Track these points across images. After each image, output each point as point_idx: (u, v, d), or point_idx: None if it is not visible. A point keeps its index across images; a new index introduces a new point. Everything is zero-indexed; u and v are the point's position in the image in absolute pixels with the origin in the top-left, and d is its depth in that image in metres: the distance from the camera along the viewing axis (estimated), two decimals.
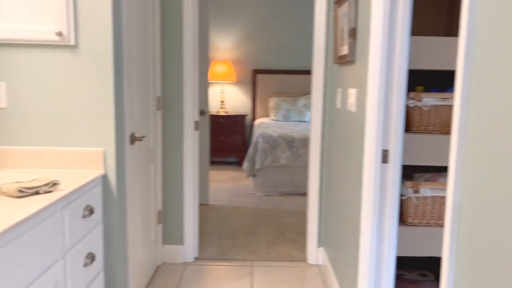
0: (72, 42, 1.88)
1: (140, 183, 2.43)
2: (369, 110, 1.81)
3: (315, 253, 3.03)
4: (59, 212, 1.55)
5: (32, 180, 1.59)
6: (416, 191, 1.91)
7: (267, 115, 6.41)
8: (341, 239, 2.44)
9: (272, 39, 6.36)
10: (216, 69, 6.18)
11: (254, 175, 4.81)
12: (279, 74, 6.36)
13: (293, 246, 3.32)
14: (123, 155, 2.10)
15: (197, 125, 2.94)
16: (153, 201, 2.75)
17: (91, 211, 1.78)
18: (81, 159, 1.94)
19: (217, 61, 6.30)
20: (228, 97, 6.49)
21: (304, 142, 4.73)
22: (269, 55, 6.40)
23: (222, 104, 6.31)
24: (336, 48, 2.53)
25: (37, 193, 1.54)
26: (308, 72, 6.29)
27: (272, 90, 6.39)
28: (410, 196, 1.93)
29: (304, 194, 4.76)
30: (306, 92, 6.32)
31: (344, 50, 2.30)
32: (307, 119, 6.01)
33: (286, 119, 6.00)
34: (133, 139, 2.24)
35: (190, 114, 2.89)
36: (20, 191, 1.49)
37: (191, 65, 2.85)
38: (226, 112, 6.27)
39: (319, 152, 2.93)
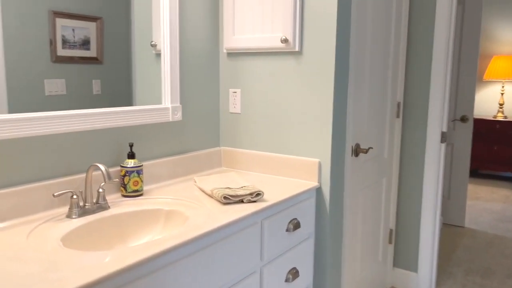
0: (297, 49, 1.83)
1: (365, 197, 2.22)
2: None
3: None
4: (259, 223, 1.53)
5: (240, 187, 1.63)
6: None
7: None
8: None
9: None
10: (496, 64, 5.19)
11: None
12: None
13: None
14: (341, 167, 1.94)
15: (444, 137, 2.48)
16: (383, 218, 2.48)
17: (297, 225, 1.71)
18: (296, 168, 1.89)
19: (499, 55, 5.28)
20: (509, 98, 5.37)
21: None
22: None
23: (501, 107, 5.27)
24: None
25: (241, 201, 1.56)
26: None
27: None
28: None
29: None
30: None
31: None
32: None
33: None
34: (357, 150, 2.04)
35: (436, 123, 2.46)
36: (225, 197, 1.53)
37: (442, 64, 2.40)
38: (505, 117, 5.21)
39: None
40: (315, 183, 1.84)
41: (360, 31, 1.97)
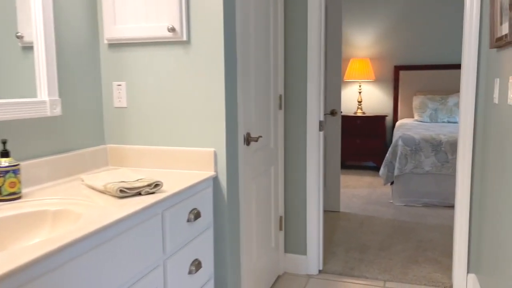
0: (185, 38, 1.81)
1: (257, 186, 2.28)
2: None
3: (463, 280, 2.51)
4: (159, 215, 1.47)
5: (136, 180, 1.55)
6: None
7: (410, 116, 5.79)
8: (504, 268, 1.92)
9: (416, 31, 5.72)
10: (353, 66, 5.81)
11: (392, 182, 4.33)
12: (425, 69, 5.69)
13: (435, 268, 2.82)
14: (236, 156, 1.97)
15: (322, 126, 2.69)
16: (273, 206, 2.58)
17: (197, 215, 1.68)
18: (192, 159, 1.86)
19: (355, 58, 5.92)
20: (366, 96, 6.06)
21: (454, 146, 4.08)
22: (412, 49, 5.77)
23: (360, 104, 5.90)
24: (492, 29, 2.02)
25: (139, 194, 1.48)
26: (459, 66, 5.50)
27: (416, 87, 5.75)
28: None
29: (452, 206, 4.12)
30: (457, 89, 5.54)
31: (504, 29, 1.80)
32: (458, 119, 5.24)
33: (433, 119, 5.32)
34: (249, 139, 2.09)
35: (314, 114, 2.65)
36: (122, 191, 1.44)
37: (316, 62, 2.61)
38: (363, 113, 5.85)
39: (470, 157, 2.41)
40: (212, 172, 1.83)
41: (244, 27, 2.03)
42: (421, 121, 5.36)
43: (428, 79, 5.70)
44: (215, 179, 1.87)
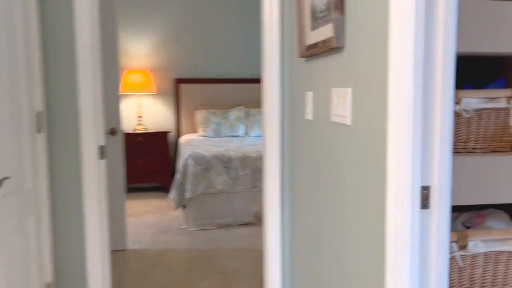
0: None
1: (4, 253, 1.48)
2: (393, 122, 1.08)
3: None
4: None
5: None
6: (463, 247, 1.22)
7: (194, 131, 5.55)
8: None
9: (197, 44, 5.55)
10: (131, 78, 5.21)
11: (184, 206, 3.93)
12: (206, 83, 5.55)
13: None
14: None
15: (103, 152, 2.04)
16: (35, 272, 1.78)
17: None
18: None
19: (132, 69, 5.33)
20: (146, 111, 5.54)
21: (243, 161, 3.96)
22: (193, 62, 5.57)
23: (140, 120, 5.34)
24: (301, 36, 1.80)
25: None
26: (240, 80, 5.58)
27: (199, 101, 5.55)
28: (454, 255, 1.23)
29: (245, 224, 3.98)
30: (238, 103, 5.59)
31: (320, 35, 1.57)
32: (240, 133, 5.26)
33: (217, 134, 5.20)
34: None
35: (91, 137, 1.98)
36: None
37: (90, 72, 1.95)
38: (145, 129, 5.31)
39: (278, 176, 2.17)
40: None
41: None
42: (206, 136, 5.17)
43: (210, 93, 5.57)
44: None
